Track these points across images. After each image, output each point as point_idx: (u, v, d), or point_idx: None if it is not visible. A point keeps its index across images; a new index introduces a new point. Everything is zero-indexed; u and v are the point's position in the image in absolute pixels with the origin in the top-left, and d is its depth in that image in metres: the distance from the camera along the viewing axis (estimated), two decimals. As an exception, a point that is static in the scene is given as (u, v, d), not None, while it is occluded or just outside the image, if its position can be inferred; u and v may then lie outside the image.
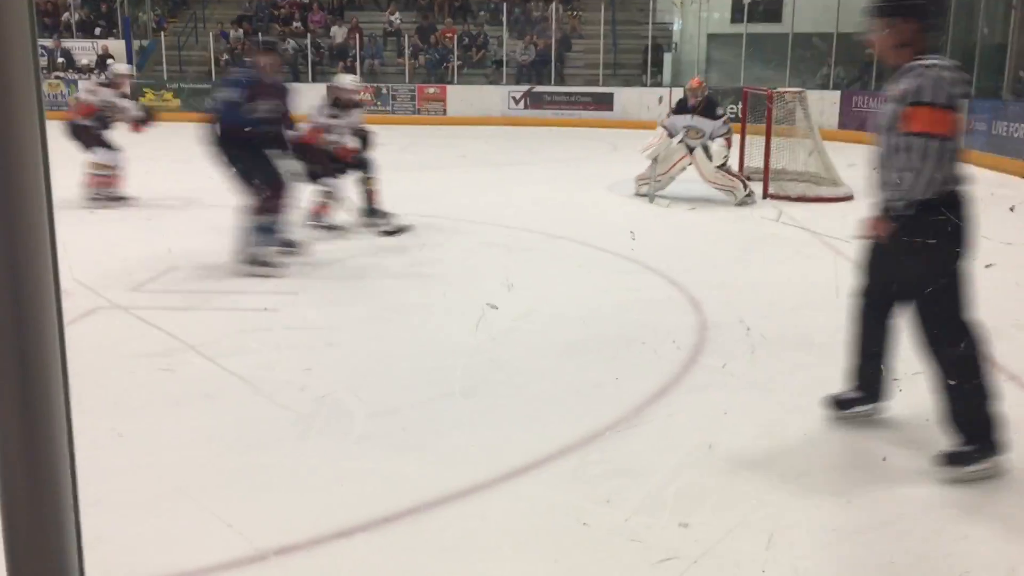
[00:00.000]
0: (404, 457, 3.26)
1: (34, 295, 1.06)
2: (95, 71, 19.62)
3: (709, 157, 9.03)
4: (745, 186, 9.14)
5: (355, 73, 17.33)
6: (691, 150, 9.13)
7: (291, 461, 3.21)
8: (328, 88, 7.38)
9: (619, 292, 5.57)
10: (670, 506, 2.89)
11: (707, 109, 9.06)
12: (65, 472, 1.10)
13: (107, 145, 8.51)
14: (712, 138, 9.05)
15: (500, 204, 9.09)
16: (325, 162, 7.02)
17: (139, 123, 8.64)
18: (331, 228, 7.27)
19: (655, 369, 4.17)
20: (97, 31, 21.17)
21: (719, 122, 9.06)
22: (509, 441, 3.39)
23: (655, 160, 9.03)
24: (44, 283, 1.06)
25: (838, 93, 16.38)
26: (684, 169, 9.19)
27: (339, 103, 7.25)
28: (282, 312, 5.03)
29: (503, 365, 4.22)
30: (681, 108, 9.21)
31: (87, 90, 8.86)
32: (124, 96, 8.75)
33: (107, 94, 8.51)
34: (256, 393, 3.76)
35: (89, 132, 8.37)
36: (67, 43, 20.58)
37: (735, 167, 9.49)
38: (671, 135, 9.12)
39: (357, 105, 7.66)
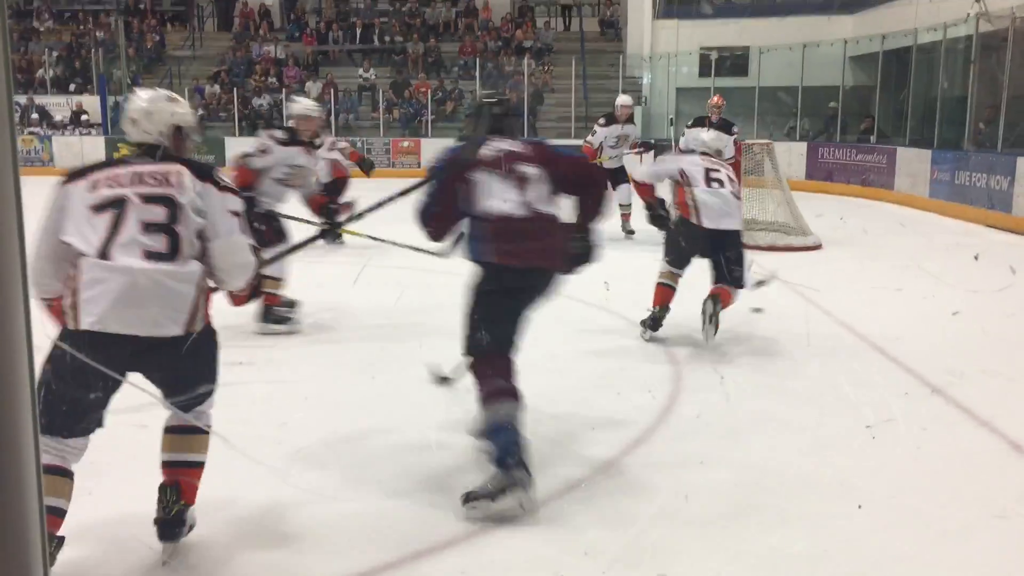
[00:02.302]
0: (379, 510, 3.23)
1: (4, 355, 1.06)
2: (69, 127, 19.63)
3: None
4: None
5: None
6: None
7: (269, 515, 3.18)
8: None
9: (589, 340, 5.60)
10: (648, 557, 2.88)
11: (723, 125, 9.41)
12: (36, 533, 1.10)
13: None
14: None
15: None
16: None
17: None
18: None
19: (630, 419, 4.18)
20: (72, 87, 21.22)
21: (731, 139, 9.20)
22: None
23: None
24: (17, 343, 1.07)
25: (804, 145, 16.68)
26: None
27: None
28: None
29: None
30: (700, 123, 9.45)
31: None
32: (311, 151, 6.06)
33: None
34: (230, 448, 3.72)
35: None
36: (41, 99, 20.58)
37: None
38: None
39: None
